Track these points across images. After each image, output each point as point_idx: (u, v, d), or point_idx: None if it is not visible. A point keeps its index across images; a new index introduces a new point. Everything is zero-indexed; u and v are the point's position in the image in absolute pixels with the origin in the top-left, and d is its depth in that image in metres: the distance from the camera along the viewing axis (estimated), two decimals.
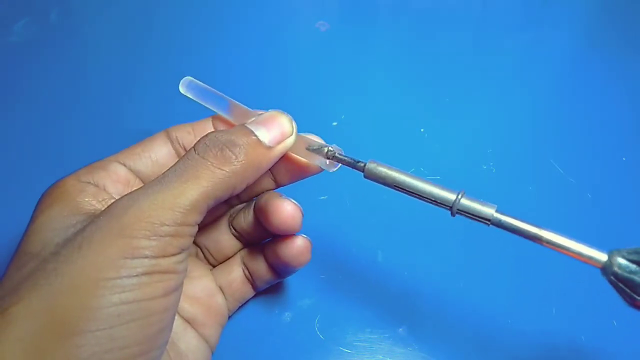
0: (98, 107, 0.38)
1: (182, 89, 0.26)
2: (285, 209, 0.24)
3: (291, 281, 0.30)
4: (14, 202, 0.32)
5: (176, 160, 0.24)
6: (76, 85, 0.39)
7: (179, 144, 0.25)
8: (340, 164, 0.23)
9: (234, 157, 0.20)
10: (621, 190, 0.34)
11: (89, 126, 0.36)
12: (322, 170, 0.24)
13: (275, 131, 0.22)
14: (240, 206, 0.27)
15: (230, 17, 0.43)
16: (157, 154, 0.25)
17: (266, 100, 0.37)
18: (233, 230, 0.27)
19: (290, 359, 0.27)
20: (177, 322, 0.24)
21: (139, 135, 0.26)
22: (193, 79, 0.26)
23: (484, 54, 0.42)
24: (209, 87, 0.26)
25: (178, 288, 0.20)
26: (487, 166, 0.34)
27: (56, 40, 0.41)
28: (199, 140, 0.21)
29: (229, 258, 0.27)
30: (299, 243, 0.24)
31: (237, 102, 0.25)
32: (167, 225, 0.19)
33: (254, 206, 0.25)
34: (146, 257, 0.18)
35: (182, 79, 0.26)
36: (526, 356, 0.27)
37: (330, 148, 0.23)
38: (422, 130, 0.36)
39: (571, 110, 0.38)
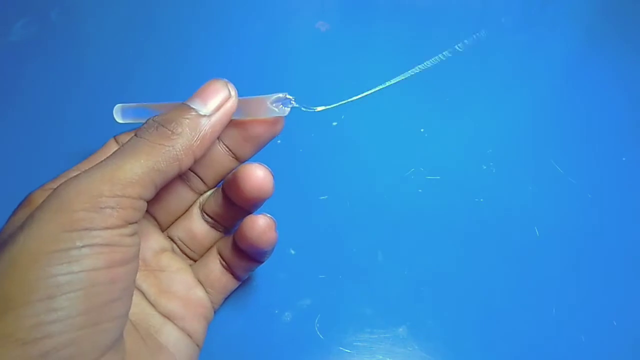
0: (98, 107, 0.37)
1: (118, 119, 0.26)
2: (255, 172, 0.24)
3: (291, 281, 0.30)
4: (13, 202, 0.32)
5: None
6: (76, 85, 0.39)
7: None
8: (289, 105, 0.23)
9: (169, 131, 0.21)
10: (621, 190, 0.34)
11: (89, 126, 0.36)
12: (279, 126, 0.24)
13: (212, 99, 0.22)
14: (210, 192, 0.27)
15: (230, 17, 0.43)
16: None
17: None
18: (207, 218, 0.27)
19: (290, 359, 0.27)
20: (154, 316, 0.24)
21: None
22: (124, 104, 0.26)
23: (484, 54, 0.42)
24: (146, 104, 0.25)
25: (127, 262, 0.20)
26: (487, 166, 0.34)
27: (56, 40, 0.41)
28: (140, 126, 0.22)
29: (207, 251, 0.27)
30: (262, 222, 0.24)
31: (179, 103, 0.24)
32: (106, 197, 0.19)
33: (223, 185, 0.26)
34: (86, 229, 0.18)
35: (113, 107, 0.26)
36: (526, 356, 0.27)
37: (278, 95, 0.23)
38: (422, 130, 0.36)
39: (571, 110, 0.38)
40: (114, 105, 0.37)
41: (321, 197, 0.33)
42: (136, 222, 0.20)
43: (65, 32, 0.42)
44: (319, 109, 0.24)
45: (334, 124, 0.36)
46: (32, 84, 0.39)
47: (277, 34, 0.42)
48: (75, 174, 0.24)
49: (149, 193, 0.20)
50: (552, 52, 0.42)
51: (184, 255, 0.27)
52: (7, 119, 0.37)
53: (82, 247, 0.18)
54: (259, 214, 0.25)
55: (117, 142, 0.26)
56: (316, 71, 0.39)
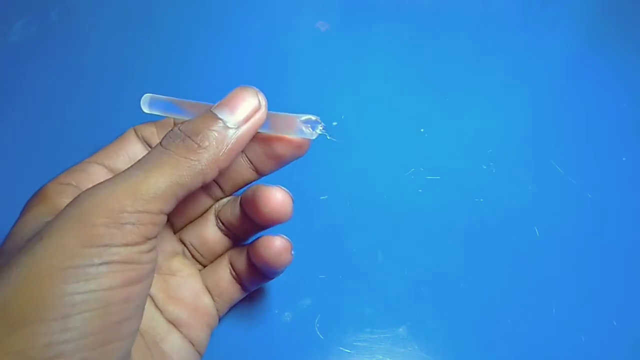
0: (98, 107, 0.38)
1: (145, 109, 0.25)
2: (275, 196, 0.23)
3: (291, 281, 0.29)
4: (12, 202, 0.32)
5: None
6: (76, 85, 0.39)
7: (146, 143, 0.26)
8: (317, 129, 0.22)
9: (196, 145, 0.20)
10: (621, 190, 0.34)
11: (89, 126, 0.36)
12: (305, 148, 0.23)
13: (241, 109, 0.21)
14: (226, 199, 0.27)
15: (229, 16, 0.43)
16: (132, 151, 0.25)
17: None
18: (221, 225, 0.26)
19: (290, 359, 0.27)
20: (161, 323, 0.24)
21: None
22: (153, 95, 0.25)
23: (484, 54, 0.42)
24: (173, 98, 0.25)
25: (142, 279, 0.19)
26: (487, 166, 0.34)
27: (56, 40, 0.41)
28: (165, 134, 0.21)
29: (217, 257, 0.27)
30: (278, 243, 0.24)
31: (204, 103, 0.24)
32: (128, 212, 0.18)
33: (241, 199, 0.25)
34: (105, 245, 0.18)
35: (142, 96, 0.25)
36: (526, 356, 0.27)
37: (310, 117, 0.22)
38: (422, 130, 0.36)
39: (571, 110, 0.38)
40: (114, 105, 0.37)
41: (321, 197, 0.33)
42: (156, 238, 0.20)
43: (65, 32, 0.42)
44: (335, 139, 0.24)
45: (334, 124, 0.36)
46: (32, 83, 0.39)
47: (277, 33, 0.42)
48: (89, 166, 0.23)
49: (170, 207, 0.20)
50: (552, 52, 0.42)
51: (194, 260, 0.27)
52: (7, 119, 0.37)
53: (100, 264, 0.17)
54: (276, 234, 0.24)
55: (136, 132, 0.25)
56: (316, 71, 0.39)
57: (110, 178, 0.20)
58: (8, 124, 0.37)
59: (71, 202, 0.19)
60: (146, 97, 0.25)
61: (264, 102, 0.22)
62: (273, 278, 0.26)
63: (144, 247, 0.19)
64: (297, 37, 0.41)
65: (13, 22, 0.42)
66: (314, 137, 0.23)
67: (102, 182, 0.19)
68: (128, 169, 0.20)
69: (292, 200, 0.24)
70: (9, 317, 0.17)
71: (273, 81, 0.39)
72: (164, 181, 0.19)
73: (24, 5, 0.43)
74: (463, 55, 0.42)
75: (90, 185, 0.22)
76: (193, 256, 0.27)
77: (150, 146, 0.25)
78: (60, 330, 0.17)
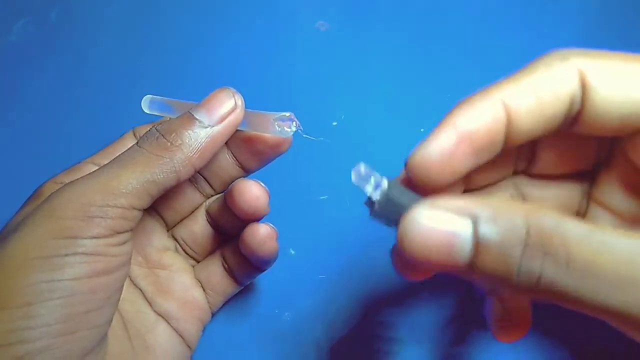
0: (98, 107, 0.38)
1: (145, 109, 0.26)
2: (250, 190, 0.23)
3: (291, 281, 0.30)
4: (13, 202, 0.32)
5: None
6: (76, 85, 0.39)
7: None
8: (292, 126, 0.23)
9: (169, 143, 0.21)
10: None
11: (89, 126, 0.36)
12: (286, 145, 0.24)
13: (217, 110, 0.22)
14: (216, 196, 0.27)
15: (229, 16, 0.43)
16: None
17: (265, 100, 0.37)
18: (211, 221, 0.27)
19: (290, 359, 0.27)
20: (149, 315, 0.24)
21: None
22: (154, 96, 0.26)
23: (484, 54, 0.42)
24: (171, 100, 0.25)
25: (111, 272, 0.19)
26: None
27: (56, 40, 0.41)
28: (142, 134, 0.22)
29: (211, 253, 0.27)
30: (262, 231, 0.24)
31: None
32: (97, 206, 0.19)
33: (225, 194, 0.26)
34: (73, 237, 0.18)
35: (143, 97, 0.26)
36: (527, 356, 0.27)
37: (285, 114, 0.23)
38: (422, 130, 0.36)
39: None
40: (114, 105, 0.37)
41: (321, 197, 0.33)
42: (127, 232, 0.20)
43: (65, 32, 0.42)
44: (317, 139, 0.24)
45: (334, 123, 0.36)
46: (31, 83, 0.39)
47: (277, 33, 0.42)
48: (87, 167, 0.24)
49: (144, 203, 0.20)
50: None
51: (187, 256, 0.27)
52: (6, 119, 0.37)
53: (67, 255, 0.18)
54: (262, 222, 0.24)
55: (134, 134, 0.26)
56: (316, 71, 0.39)
57: (87, 175, 0.20)
58: (8, 124, 0.37)
59: (47, 197, 0.19)
60: (146, 98, 0.25)
61: (240, 102, 0.22)
62: (264, 269, 0.26)
63: (112, 240, 0.19)
64: (297, 37, 0.41)
65: (13, 22, 0.42)
66: (288, 136, 0.23)
67: (77, 179, 0.20)
68: (104, 165, 0.21)
69: (268, 194, 0.24)
70: None
71: (273, 81, 0.39)
72: (136, 177, 0.20)
73: (23, 5, 0.43)
74: (463, 55, 0.41)
75: None
76: (185, 252, 0.27)
77: None
78: (22, 317, 0.17)
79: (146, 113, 0.25)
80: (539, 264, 0.13)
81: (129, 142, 0.25)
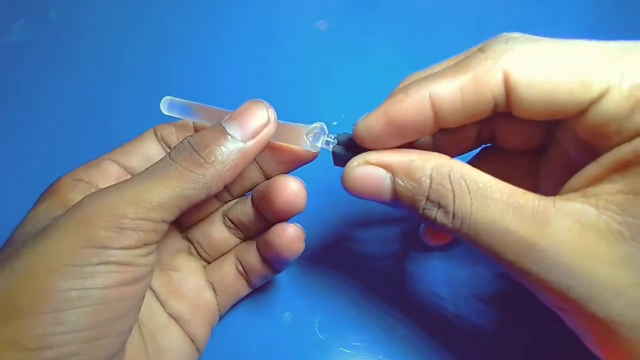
0: (98, 107, 0.38)
1: (164, 110, 0.26)
2: (290, 186, 0.23)
3: (291, 281, 0.29)
4: (13, 202, 0.32)
5: None
6: (75, 84, 0.39)
7: (165, 142, 0.26)
8: (323, 136, 0.23)
9: (202, 159, 0.20)
10: None
11: (89, 125, 0.36)
12: (313, 156, 0.24)
13: (250, 124, 0.21)
14: (235, 200, 0.27)
15: (230, 16, 0.43)
16: (147, 151, 0.25)
17: (265, 99, 0.37)
18: (229, 223, 0.26)
19: (290, 359, 0.27)
20: (162, 317, 0.24)
21: (140, 134, 0.26)
22: (173, 98, 0.25)
23: None
24: (190, 102, 0.25)
25: (138, 281, 0.20)
26: None
27: (55, 39, 0.41)
28: (175, 146, 0.21)
29: (223, 254, 0.27)
30: (291, 231, 0.24)
31: (222, 109, 0.24)
32: (129, 218, 0.19)
33: (252, 196, 0.25)
34: (104, 247, 0.19)
35: (162, 99, 0.26)
36: (527, 356, 0.27)
37: (326, 137, 0.23)
38: None
39: None
40: (114, 104, 0.37)
41: (321, 197, 0.33)
42: (154, 243, 0.20)
43: (64, 32, 0.42)
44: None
45: (334, 123, 0.36)
46: (31, 83, 0.39)
47: (277, 33, 0.42)
48: (105, 163, 0.24)
49: (173, 216, 0.20)
50: None
51: (199, 257, 0.27)
52: (5, 119, 0.37)
53: (98, 264, 0.18)
54: (290, 222, 0.24)
55: (155, 132, 0.26)
56: (316, 70, 0.39)
57: (118, 183, 0.20)
58: (7, 124, 0.37)
59: (77, 203, 0.20)
60: (166, 99, 0.25)
61: (273, 116, 0.22)
62: (281, 270, 0.26)
63: (141, 251, 0.20)
64: (297, 36, 0.41)
65: (12, 22, 0.42)
66: (316, 150, 0.23)
67: (109, 187, 0.20)
68: (136, 176, 0.21)
69: (306, 190, 0.24)
70: (7, 307, 0.18)
71: (273, 81, 0.39)
72: (168, 192, 0.20)
73: (23, 5, 0.43)
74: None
75: (102, 182, 0.23)
76: (199, 254, 0.27)
77: (168, 146, 0.26)
78: (53, 323, 0.18)
79: (163, 114, 0.25)
80: (434, 213, 0.19)
81: (149, 140, 0.25)
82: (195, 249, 0.27)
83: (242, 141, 0.21)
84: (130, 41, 0.41)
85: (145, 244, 0.20)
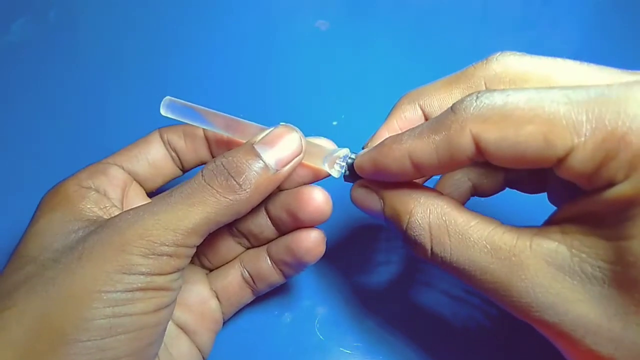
0: (97, 107, 0.37)
1: (163, 111, 0.25)
2: (317, 197, 0.23)
3: (291, 281, 0.29)
4: (13, 203, 0.32)
5: (170, 162, 0.25)
6: (74, 84, 0.39)
7: (171, 147, 0.25)
8: (343, 166, 0.23)
9: (238, 186, 0.21)
10: None
11: (88, 125, 0.36)
12: (323, 176, 0.24)
13: (284, 152, 0.22)
14: None
15: (229, 16, 0.43)
16: (152, 155, 0.25)
17: (265, 100, 0.37)
18: (236, 233, 0.26)
19: (290, 359, 0.27)
20: (170, 328, 0.24)
21: (140, 135, 0.26)
22: (173, 98, 0.25)
23: (484, 54, 0.42)
24: (191, 104, 0.25)
25: (171, 304, 0.20)
26: None
27: (54, 39, 0.41)
28: (206, 165, 0.21)
29: (227, 262, 0.27)
30: (314, 235, 0.24)
31: (224, 115, 0.24)
32: (167, 245, 0.19)
33: (268, 207, 0.25)
34: (142, 274, 0.19)
35: (162, 99, 0.25)
36: (527, 356, 0.27)
37: (349, 157, 0.23)
38: None
39: None
40: (114, 104, 0.37)
41: None
42: (185, 267, 0.21)
43: (63, 32, 0.42)
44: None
45: (334, 123, 0.36)
46: (30, 83, 0.39)
47: (277, 33, 0.42)
48: (108, 168, 0.24)
49: (202, 239, 0.21)
50: (552, 51, 0.42)
51: (201, 265, 0.27)
52: (5, 119, 0.37)
53: (136, 290, 0.19)
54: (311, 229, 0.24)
55: (161, 136, 0.25)
56: (316, 70, 0.39)
57: (153, 203, 0.20)
58: (6, 124, 0.36)
59: (112, 222, 0.20)
60: (166, 100, 0.25)
61: (305, 145, 0.22)
62: (292, 276, 0.26)
63: (175, 276, 0.20)
64: (297, 36, 0.41)
65: (11, 21, 0.42)
66: (335, 175, 0.23)
67: (144, 207, 0.20)
68: (171, 195, 0.20)
69: (331, 200, 0.24)
70: (50, 335, 0.18)
71: (273, 81, 0.38)
72: (204, 218, 0.20)
73: (22, 4, 0.43)
74: (463, 55, 0.41)
75: (110, 190, 0.23)
76: (201, 262, 0.27)
77: (175, 151, 0.25)
78: (96, 350, 0.18)
79: (157, 114, 0.25)
80: (414, 247, 0.20)
81: (154, 144, 0.25)
82: (199, 259, 0.27)
83: (274, 168, 0.21)
84: (129, 41, 0.41)
85: (178, 269, 0.20)
